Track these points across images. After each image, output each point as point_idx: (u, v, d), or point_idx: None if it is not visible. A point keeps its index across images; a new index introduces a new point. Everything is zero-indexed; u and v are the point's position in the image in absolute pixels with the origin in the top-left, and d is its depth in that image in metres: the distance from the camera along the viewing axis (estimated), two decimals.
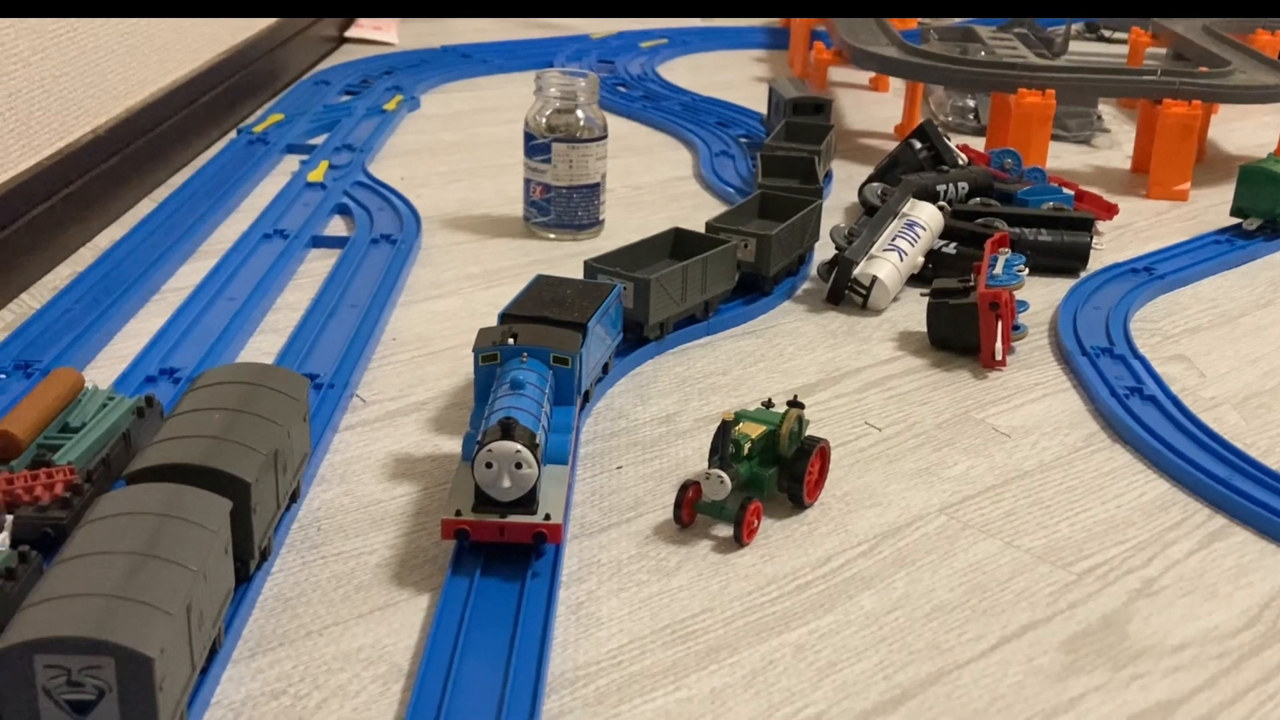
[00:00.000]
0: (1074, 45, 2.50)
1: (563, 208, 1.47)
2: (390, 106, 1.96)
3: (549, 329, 1.00)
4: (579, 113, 1.46)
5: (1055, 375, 1.20)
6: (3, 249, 1.25)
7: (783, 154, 1.54)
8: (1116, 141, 1.99)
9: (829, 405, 1.12)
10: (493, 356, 0.97)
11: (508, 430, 0.83)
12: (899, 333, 1.27)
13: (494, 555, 0.86)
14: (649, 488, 0.98)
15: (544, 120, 1.46)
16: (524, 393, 0.90)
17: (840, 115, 2.11)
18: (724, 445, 0.91)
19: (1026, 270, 1.29)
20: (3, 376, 1.07)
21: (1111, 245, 1.53)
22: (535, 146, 1.46)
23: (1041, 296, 1.36)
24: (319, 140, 1.80)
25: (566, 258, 1.42)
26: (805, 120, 1.69)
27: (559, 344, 0.98)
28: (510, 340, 0.97)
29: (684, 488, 0.92)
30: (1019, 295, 1.25)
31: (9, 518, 0.83)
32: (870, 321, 1.30)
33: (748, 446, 0.93)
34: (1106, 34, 2.70)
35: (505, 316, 1.04)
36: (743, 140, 1.88)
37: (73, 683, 0.63)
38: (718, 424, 0.92)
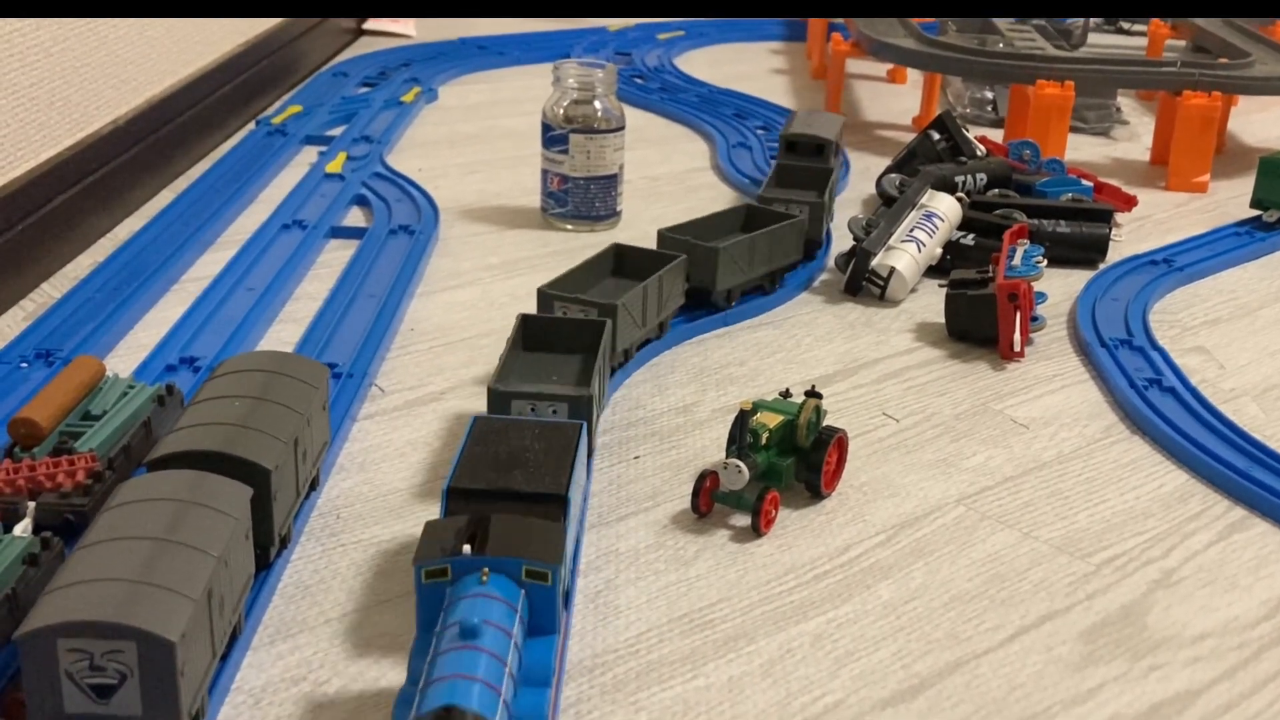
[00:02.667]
0: (1092, 37, 2.49)
1: (580, 199, 1.47)
2: (408, 98, 1.97)
3: (517, 524, 0.72)
4: (596, 104, 1.46)
5: (1074, 367, 1.19)
6: (24, 239, 1.26)
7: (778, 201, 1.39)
8: (1135, 133, 1.98)
9: (846, 396, 1.12)
10: (441, 571, 0.70)
11: None
12: (917, 324, 1.27)
13: None
14: (667, 477, 0.98)
15: (561, 111, 1.46)
16: (480, 643, 0.64)
17: (858, 107, 2.11)
18: (742, 435, 0.91)
19: (1045, 262, 1.28)
20: (24, 365, 1.08)
21: (1130, 237, 1.52)
22: (553, 138, 1.46)
23: (1060, 288, 1.36)
24: (337, 132, 1.80)
25: (584, 248, 1.42)
26: (803, 163, 1.47)
27: (534, 550, 0.71)
28: (466, 548, 0.70)
29: (702, 477, 0.92)
30: (1037, 287, 1.24)
31: (31, 504, 0.83)
32: (888, 312, 1.30)
33: (765, 436, 0.93)
34: (1125, 26, 2.69)
35: (453, 492, 0.77)
36: (760, 131, 1.88)
37: (95, 667, 0.63)
38: (735, 414, 0.92)
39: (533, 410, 0.93)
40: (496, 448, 0.81)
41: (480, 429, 0.84)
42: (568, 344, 1.04)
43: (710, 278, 1.21)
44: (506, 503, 0.76)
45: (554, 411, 0.93)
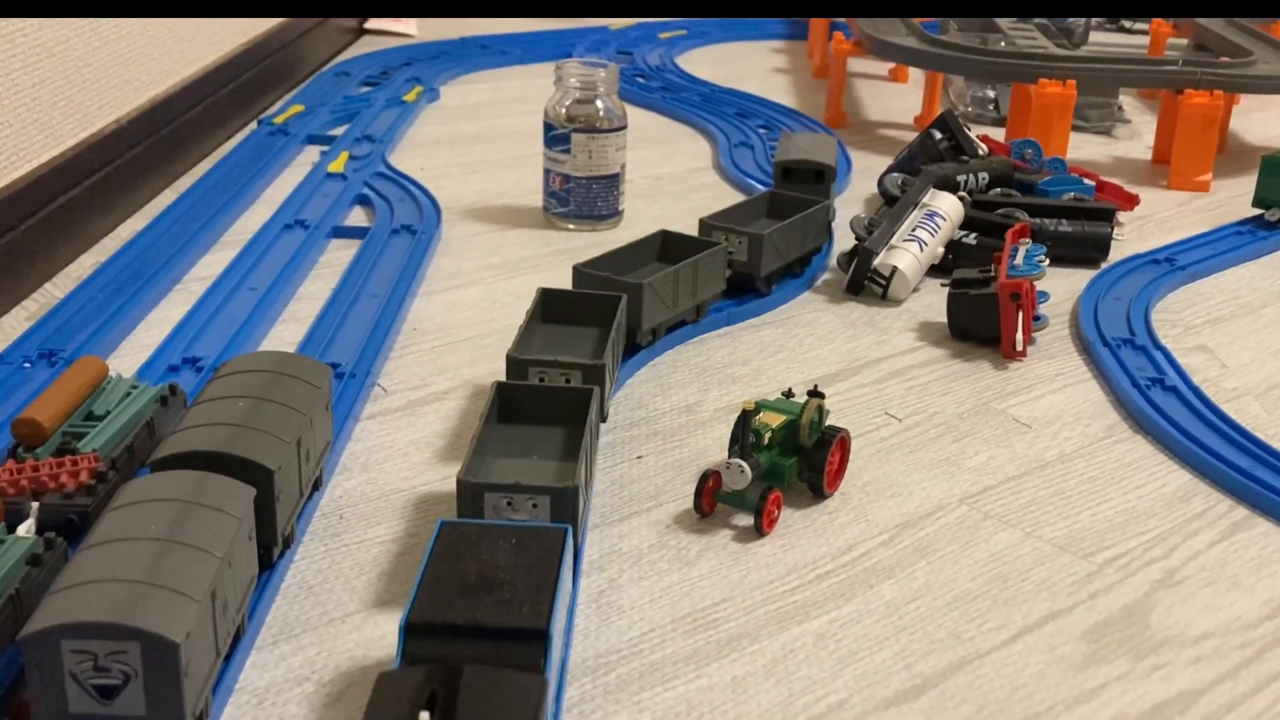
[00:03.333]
0: (1094, 35, 2.49)
1: (582, 198, 1.47)
2: (410, 98, 1.97)
3: (486, 680, 0.63)
4: (599, 103, 1.46)
5: (1076, 366, 1.19)
6: (27, 238, 1.26)
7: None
8: (1137, 132, 1.98)
9: (849, 395, 1.12)
10: None
11: None
12: (919, 323, 1.27)
13: None
14: (669, 477, 0.98)
15: (564, 111, 1.46)
16: None
17: (860, 106, 2.11)
18: (744, 435, 0.91)
19: (1047, 261, 1.28)
20: (27, 365, 1.08)
21: (1132, 236, 1.52)
22: (555, 137, 1.46)
23: (1062, 287, 1.36)
24: (339, 131, 1.81)
25: (586, 248, 1.43)
26: (795, 193, 1.38)
27: (506, 717, 0.62)
28: (423, 716, 0.61)
29: (704, 477, 0.92)
30: (1040, 286, 1.24)
31: (35, 505, 0.83)
32: (890, 312, 1.30)
33: (768, 436, 0.93)
34: (1127, 24, 2.69)
35: (412, 629, 0.67)
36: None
37: (99, 667, 0.63)
38: (738, 414, 0.92)
39: (509, 505, 0.81)
40: (465, 564, 0.71)
41: (447, 539, 0.73)
42: (547, 413, 0.95)
43: (635, 316, 1.13)
44: (476, 640, 0.66)
45: (534, 505, 0.81)
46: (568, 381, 0.99)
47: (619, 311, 1.08)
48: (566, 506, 0.81)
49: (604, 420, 1.04)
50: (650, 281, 1.12)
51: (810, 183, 1.40)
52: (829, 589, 0.85)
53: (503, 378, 0.98)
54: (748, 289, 1.28)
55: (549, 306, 1.11)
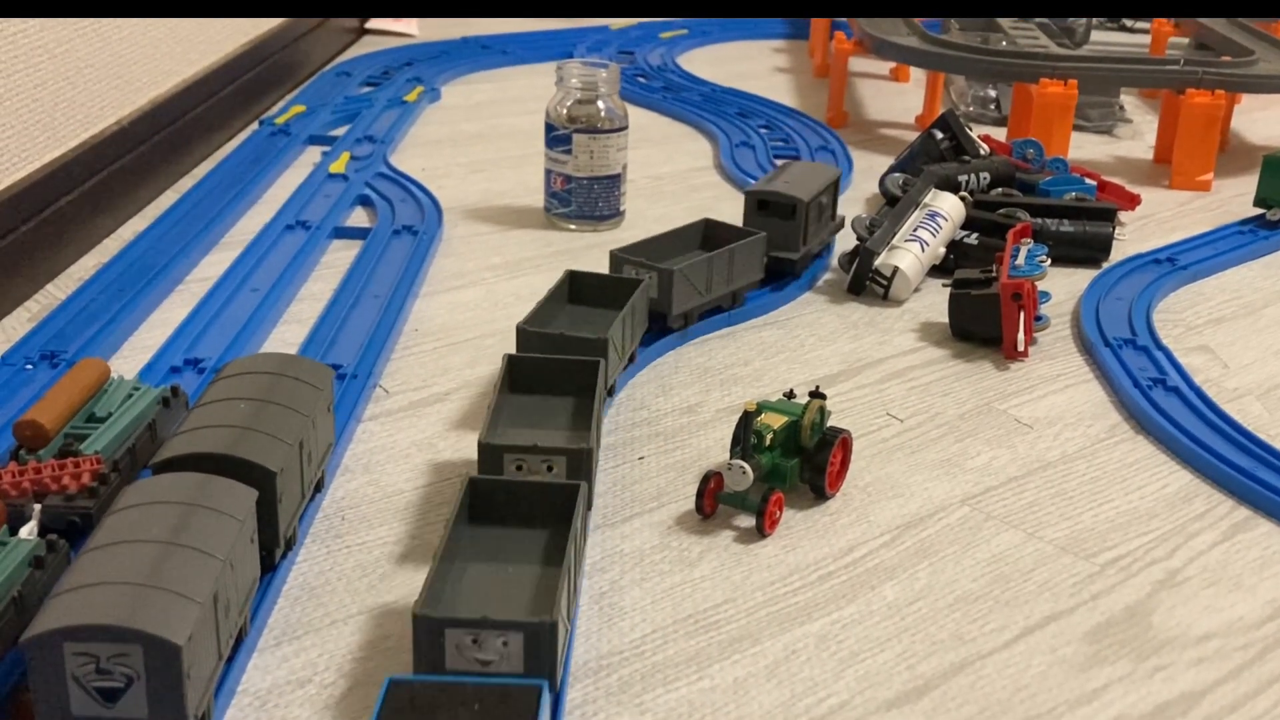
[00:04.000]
0: (1096, 35, 2.49)
1: (583, 198, 1.47)
2: (411, 98, 1.97)
3: None
4: (600, 103, 1.46)
5: (1078, 366, 1.19)
6: (28, 240, 1.26)
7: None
8: (1139, 132, 1.98)
9: (850, 396, 1.12)
10: None
11: None
12: (920, 323, 1.27)
13: None
14: (671, 478, 0.98)
15: (565, 111, 1.46)
16: None
17: (861, 105, 2.11)
18: (746, 436, 0.91)
19: (1048, 261, 1.28)
20: (29, 367, 1.08)
21: (1134, 236, 1.52)
22: (556, 137, 1.46)
23: (1064, 287, 1.36)
24: (340, 131, 1.81)
25: (587, 249, 1.43)
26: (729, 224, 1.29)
27: None
28: None
29: (706, 478, 0.92)
30: (1041, 286, 1.24)
31: (37, 507, 0.83)
32: (892, 312, 1.30)
33: (770, 437, 0.93)
34: (1128, 23, 2.69)
35: None
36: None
37: (101, 670, 0.63)
38: (740, 415, 0.92)
39: (475, 643, 0.69)
40: None
41: (394, 705, 0.62)
42: (526, 513, 0.83)
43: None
44: None
45: (504, 644, 0.69)
46: (550, 469, 0.88)
47: (600, 377, 0.98)
48: (543, 647, 0.69)
49: (590, 508, 0.91)
50: (611, 335, 1.04)
51: (785, 217, 1.29)
52: (831, 590, 0.86)
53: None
54: (660, 326, 1.18)
55: (516, 374, 1.00)
